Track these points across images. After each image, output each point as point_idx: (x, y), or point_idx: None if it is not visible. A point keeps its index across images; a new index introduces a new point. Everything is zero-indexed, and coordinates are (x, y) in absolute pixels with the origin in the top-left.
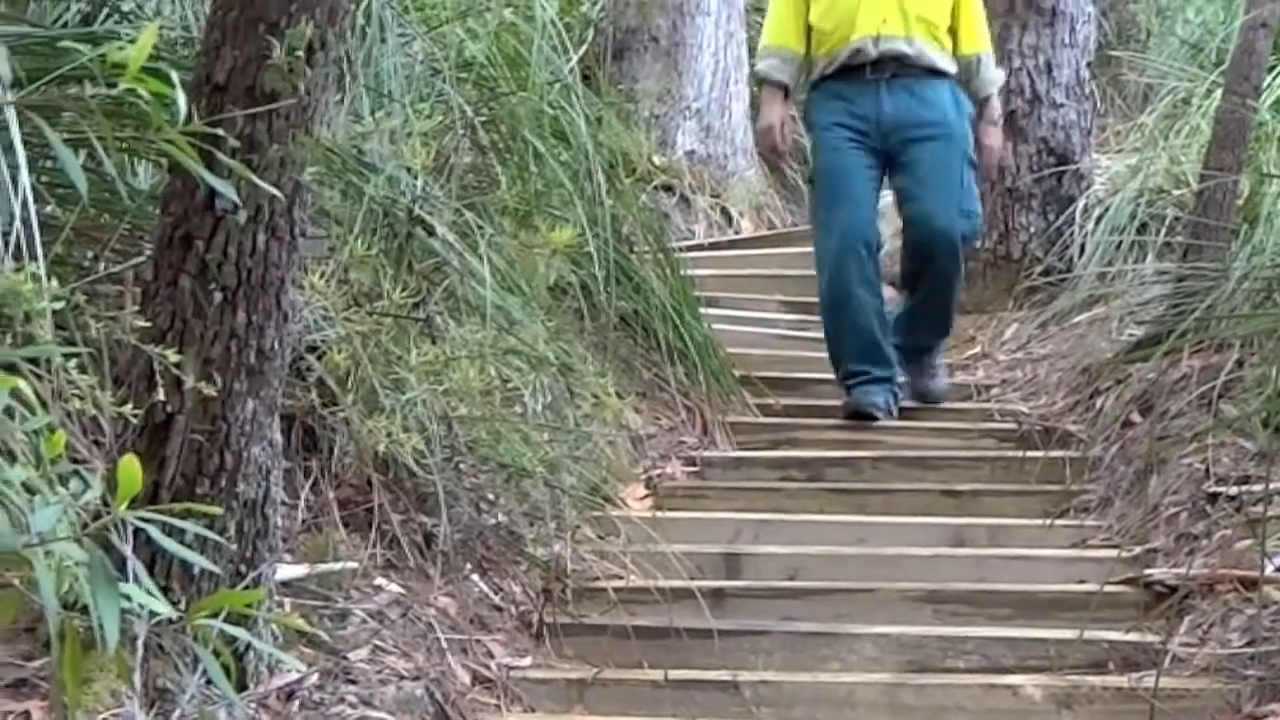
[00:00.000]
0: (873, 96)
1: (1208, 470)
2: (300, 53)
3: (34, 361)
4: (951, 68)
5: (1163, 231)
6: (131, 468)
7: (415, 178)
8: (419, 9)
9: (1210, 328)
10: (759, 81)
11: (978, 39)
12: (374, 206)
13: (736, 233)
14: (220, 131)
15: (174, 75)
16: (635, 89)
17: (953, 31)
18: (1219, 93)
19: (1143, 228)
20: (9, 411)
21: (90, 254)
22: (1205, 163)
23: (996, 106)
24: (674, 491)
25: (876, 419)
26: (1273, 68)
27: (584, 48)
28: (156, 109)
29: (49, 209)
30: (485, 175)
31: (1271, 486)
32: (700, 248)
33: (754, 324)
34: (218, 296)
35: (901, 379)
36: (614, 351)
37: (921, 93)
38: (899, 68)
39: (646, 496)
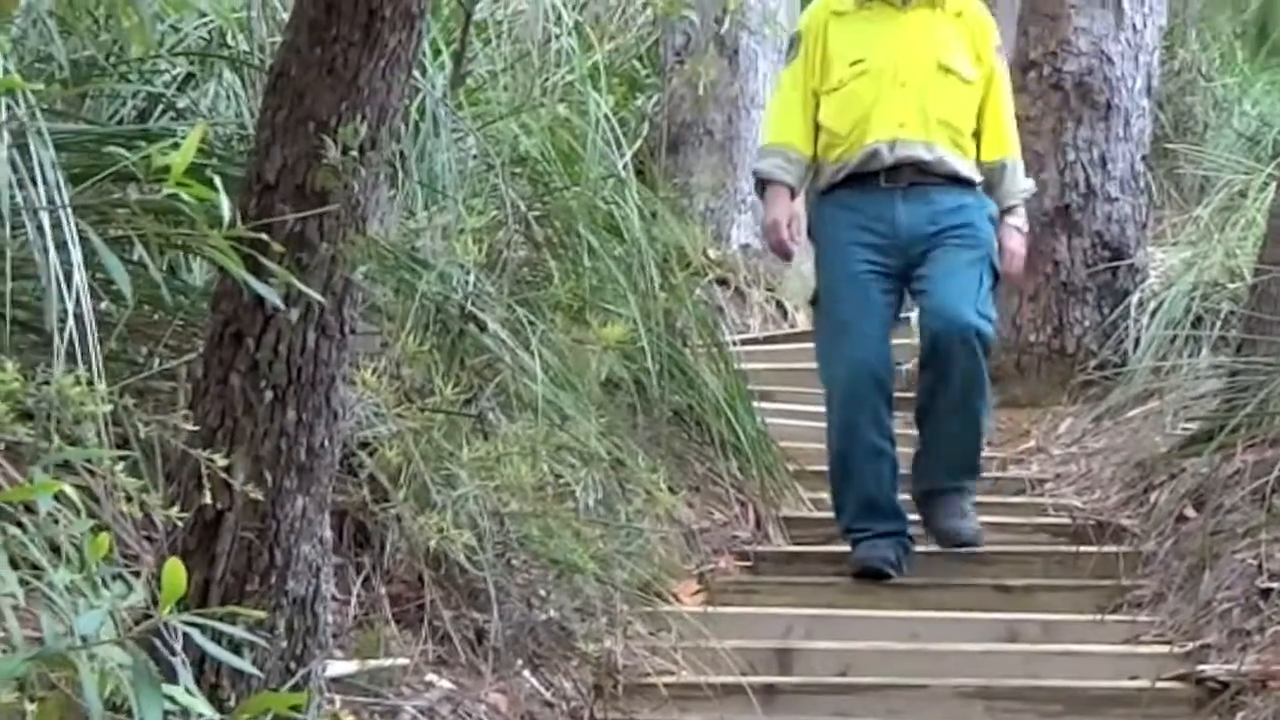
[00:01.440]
0: (888, 207)
1: (1261, 566)
2: (352, 151)
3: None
4: (975, 176)
5: (1217, 325)
6: (176, 571)
7: (467, 273)
8: (473, 104)
9: (1264, 422)
10: (759, 183)
11: (1006, 143)
12: (426, 302)
13: (791, 326)
14: (264, 236)
15: (217, 179)
16: (690, 183)
17: (977, 135)
18: (1275, 186)
19: (1197, 321)
20: (56, 513)
21: (144, 350)
22: (1260, 257)
23: (1023, 215)
24: (726, 586)
25: (888, 576)
26: None
27: (638, 142)
28: (200, 213)
29: (103, 305)
30: (538, 270)
31: None
32: (755, 341)
33: (808, 418)
34: (268, 394)
35: (912, 530)
36: (667, 446)
37: (941, 201)
38: (917, 175)
39: (699, 591)
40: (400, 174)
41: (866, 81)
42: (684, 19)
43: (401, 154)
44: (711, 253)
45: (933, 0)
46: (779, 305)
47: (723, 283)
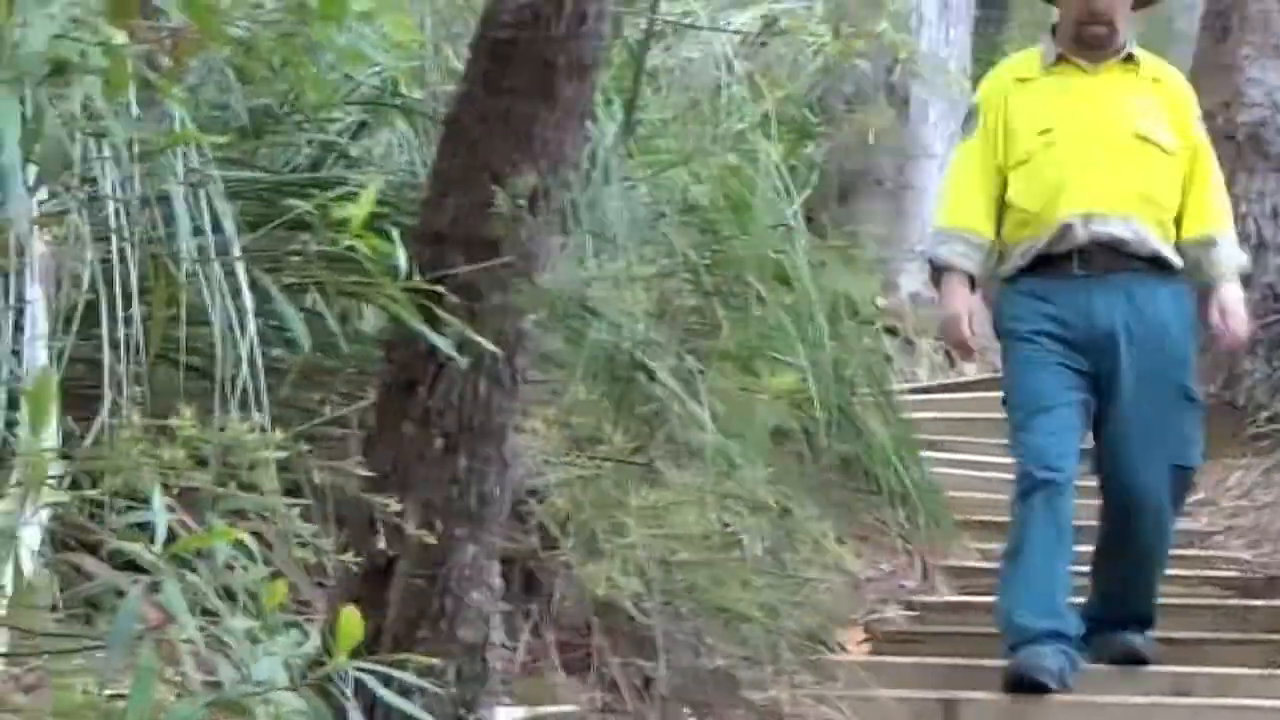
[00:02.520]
0: (1081, 298)
1: None
2: (523, 201)
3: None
4: (1178, 260)
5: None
6: (352, 619)
7: (637, 322)
8: (643, 153)
9: None
10: (935, 270)
11: (1216, 216)
12: (596, 351)
13: (959, 375)
14: (440, 288)
15: (394, 232)
16: (860, 231)
17: (1179, 217)
18: None
19: None
20: (232, 560)
21: (316, 397)
22: None
23: (1239, 290)
24: (892, 636)
25: (1048, 689)
26: None
27: (808, 191)
28: (378, 265)
29: (276, 352)
30: (707, 319)
31: None
32: (923, 390)
33: (975, 467)
34: (439, 442)
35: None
36: (835, 495)
37: (1142, 298)
38: (1113, 260)
39: (865, 640)
40: (571, 223)
41: (1057, 152)
42: (854, 67)
43: (573, 203)
44: (880, 301)
45: (1126, 61)
46: (947, 354)
47: (891, 331)
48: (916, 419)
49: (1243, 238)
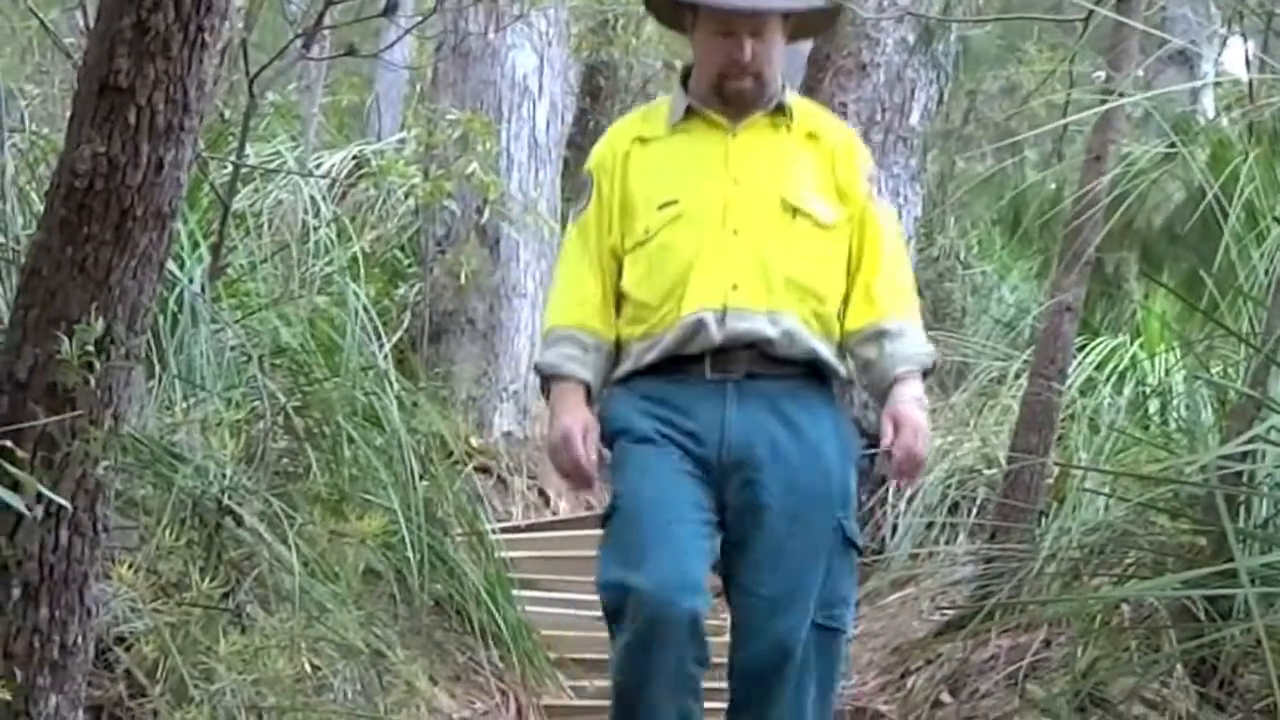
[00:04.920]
0: (714, 409)
1: None
2: (101, 349)
3: None
4: (840, 366)
5: (974, 512)
6: None
7: (225, 467)
8: (232, 296)
9: (1018, 608)
10: (543, 379)
11: (892, 296)
12: (183, 497)
13: (554, 514)
14: (15, 438)
15: None
16: (452, 371)
17: (844, 305)
18: (1028, 373)
19: (954, 508)
20: None
21: None
22: (1013, 444)
23: (919, 387)
24: None
25: None
26: (1081, 348)
27: (400, 332)
28: None
29: None
30: (298, 461)
31: None
32: (517, 529)
33: (571, 605)
34: (17, 592)
35: None
36: (428, 636)
37: (792, 412)
38: (757, 363)
39: None
40: (158, 367)
41: (683, 229)
42: (445, 209)
43: (159, 347)
44: (474, 441)
45: (776, 113)
46: (541, 493)
47: (484, 470)
48: (510, 558)
49: None
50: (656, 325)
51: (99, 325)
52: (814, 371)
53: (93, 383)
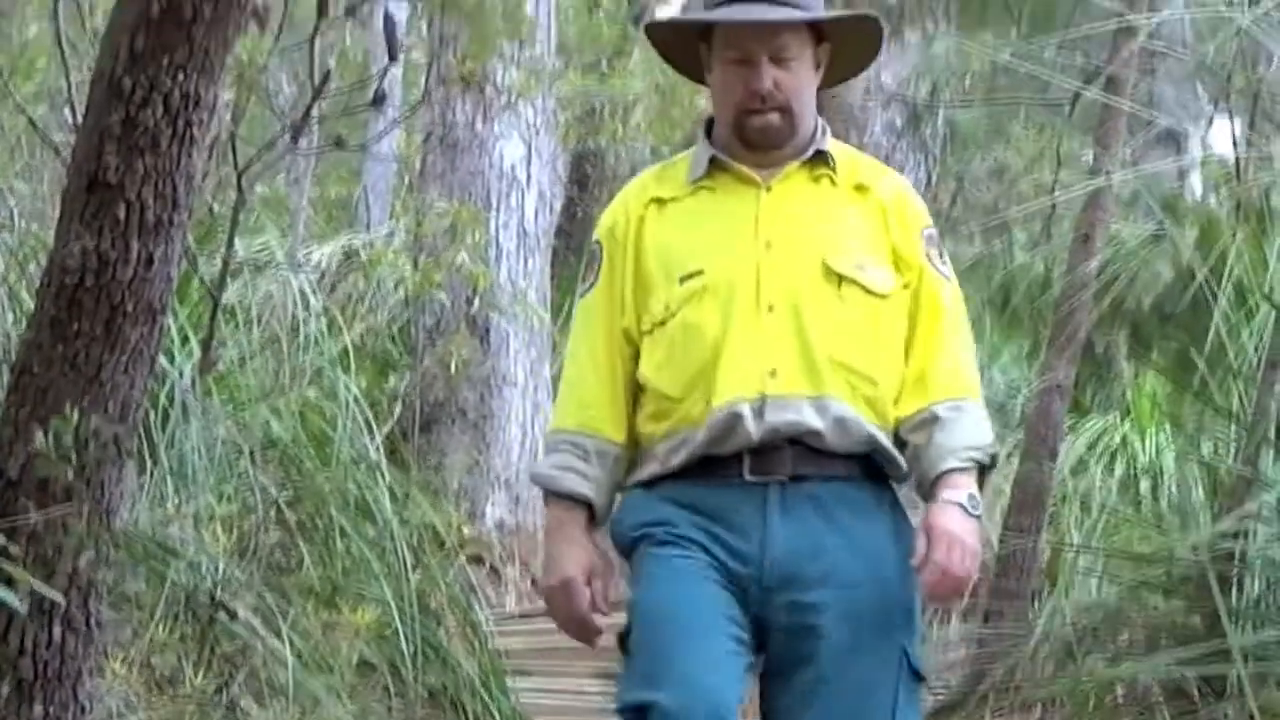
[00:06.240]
0: (754, 517)
1: None
2: (93, 445)
3: None
4: (900, 458)
5: (966, 594)
6: None
7: (218, 561)
8: (222, 390)
9: (1010, 690)
10: (545, 493)
11: (951, 376)
12: (176, 591)
13: None
14: (7, 535)
15: None
16: (444, 462)
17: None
18: (1020, 454)
19: None
20: None
21: None
22: (1005, 525)
23: (974, 486)
24: None
25: None
26: (1072, 428)
27: (391, 423)
28: None
29: None
30: (291, 554)
31: None
32: (510, 618)
33: (566, 693)
34: (6, 689)
35: None
36: None
37: (843, 518)
38: (803, 460)
39: None
40: (149, 462)
41: (709, 305)
42: (434, 299)
43: (150, 442)
44: (466, 531)
45: (815, 162)
46: (534, 582)
47: (477, 560)
48: (504, 647)
49: None
50: (682, 421)
51: (90, 420)
52: (870, 467)
53: (72, 475)
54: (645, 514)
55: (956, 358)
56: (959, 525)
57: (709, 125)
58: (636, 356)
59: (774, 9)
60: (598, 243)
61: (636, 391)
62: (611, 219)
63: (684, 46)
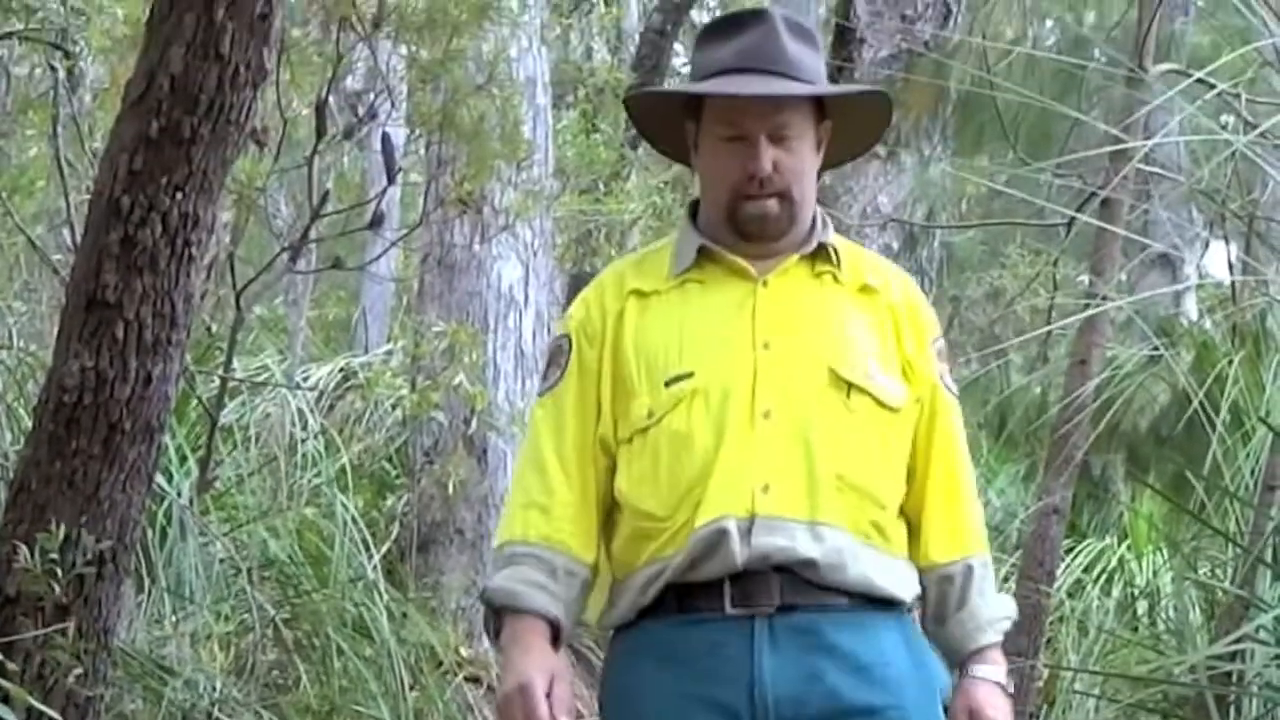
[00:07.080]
0: (739, 656)
1: None
2: (91, 564)
3: None
4: (905, 589)
5: None
6: None
7: (215, 680)
8: (220, 509)
9: None
10: (494, 611)
11: (981, 524)
12: (173, 710)
13: None
14: (4, 647)
15: None
16: (441, 582)
17: (912, 514)
18: (1016, 577)
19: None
20: None
21: None
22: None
23: (1001, 661)
24: None
25: None
26: (1069, 550)
27: (388, 543)
28: None
29: None
30: (288, 673)
31: None
32: None
33: None
34: None
35: None
36: None
37: (846, 644)
38: (796, 590)
39: None
40: (147, 580)
41: (700, 412)
42: (432, 420)
43: (148, 560)
44: (464, 651)
45: (817, 257)
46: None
47: (475, 680)
48: None
49: None
50: (666, 545)
51: (82, 535)
52: (871, 600)
53: (67, 592)
54: (625, 689)
55: (976, 500)
56: (1000, 708)
57: (694, 210)
58: (610, 469)
59: (775, 80)
60: (565, 337)
61: (609, 511)
62: (584, 311)
63: (667, 120)
